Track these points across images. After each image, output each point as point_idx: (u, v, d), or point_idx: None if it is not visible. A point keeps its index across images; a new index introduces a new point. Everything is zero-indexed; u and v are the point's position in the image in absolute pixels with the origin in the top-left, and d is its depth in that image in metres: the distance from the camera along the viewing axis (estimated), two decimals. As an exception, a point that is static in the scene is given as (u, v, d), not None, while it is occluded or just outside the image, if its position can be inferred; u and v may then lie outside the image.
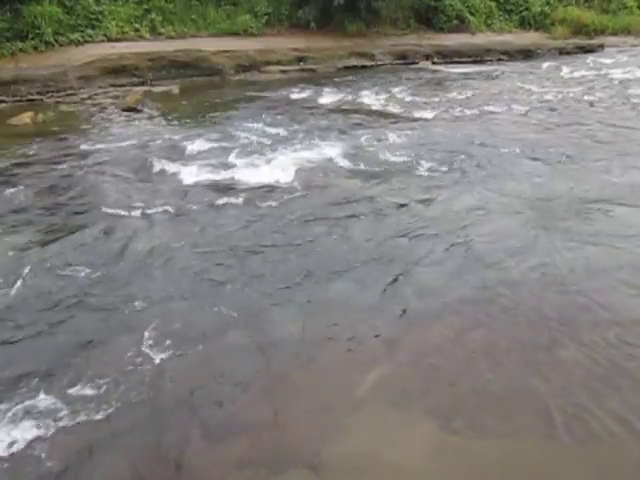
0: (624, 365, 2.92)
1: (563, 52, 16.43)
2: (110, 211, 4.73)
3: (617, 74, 12.30)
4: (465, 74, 12.72)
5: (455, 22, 16.13)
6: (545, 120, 8.16)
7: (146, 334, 3.10)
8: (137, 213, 4.70)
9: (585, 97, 9.82)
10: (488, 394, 2.74)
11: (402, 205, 4.88)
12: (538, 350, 3.04)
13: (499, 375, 2.87)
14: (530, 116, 8.44)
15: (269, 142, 6.78)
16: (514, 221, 4.58)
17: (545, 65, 13.98)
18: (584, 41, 17.49)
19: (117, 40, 11.45)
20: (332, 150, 6.36)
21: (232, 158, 6.07)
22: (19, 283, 3.61)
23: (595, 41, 17.67)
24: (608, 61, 14.47)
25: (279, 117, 8.34)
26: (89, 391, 2.70)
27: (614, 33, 19.05)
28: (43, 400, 2.64)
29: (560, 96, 9.94)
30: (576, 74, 12.54)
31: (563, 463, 2.42)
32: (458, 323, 3.28)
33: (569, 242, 4.22)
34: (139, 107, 8.96)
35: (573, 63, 14.09)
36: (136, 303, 3.44)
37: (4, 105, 9.08)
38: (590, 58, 15.25)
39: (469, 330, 3.23)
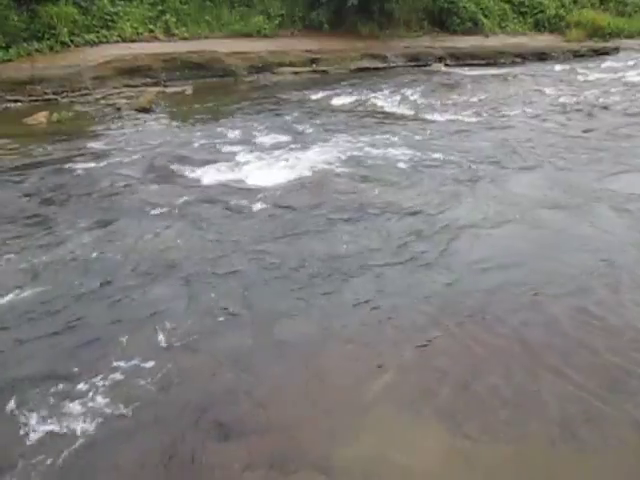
0: (637, 370, 2.89)
1: (578, 55, 16.25)
2: (124, 210, 4.76)
3: (633, 77, 12.16)
4: (478, 76, 12.65)
5: (469, 24, 16.01)
6: (560, 123, 8.09)
7: (156, 333, 3.12)
8: (149, 213, 4.74)
9: (600, 100, 9.72)
10: (499, 398, 2.72)
11: (415, 208, 4.87)
12: (550, 354, 3.02)
13: (510, 379, 2.85)
14: (544, 119, 8.37)
15: (282, 143, 6.79)
16: (527, 226, 4.55)
17: (560, 68, 13.87)
18: (599, 44, 17.28)
19: (132, 41, 11.51)
20: (344, 152, 6.36)
21: (245, 159, 6.09)
22: (32, 281, 3.65)
23: (610, 44, 17.45)
24: (624, 64, 14.31)
25: (291, 118, 8.35)
26: (97, 390, 2.71)
27: (630, 36, 18.80)
28: (51, 398, 2.66)
29: (575, 99, 9.85)
30: (591, 77, 12.42)
31: (575, 469, 2.40)
32: (469, 326, 3.26)
33: (584, 247, 4.19)
34: (152, 107, 9.02)
35: (588, 66, 13.96)
36: (145, 303, 3.46)
37: (20, 104, 9.17)
38: (605, 61, 15.10)
39: (480, 333, 3.21)
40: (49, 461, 2.34)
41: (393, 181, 5.53)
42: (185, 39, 12.23)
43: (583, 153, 6.48)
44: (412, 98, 9.97)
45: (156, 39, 11.96)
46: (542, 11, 18.01)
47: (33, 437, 2.46)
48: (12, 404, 2.63)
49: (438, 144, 6.87)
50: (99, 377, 2.80)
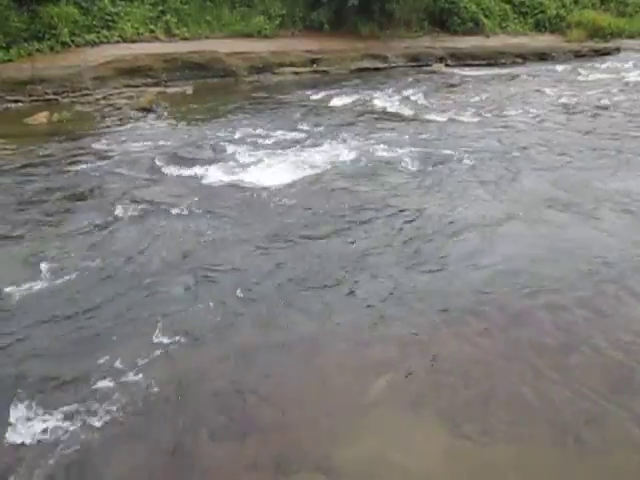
0: (638, 370, 2.89)
1: (579, 55, 16.24)
2: (123, 210, 4.75)
3: (634, 77, 12.15)
4: (479, 77, 12.64)
5: (469, 24, 15.99)
6: (562, 123, 8.08)
7: (154, 335, 3.11)
8: (149, 213, 4.73)
9: (601, 101, 9.72)
10: (500, 399, 2.72)
11: (415, 208, 4.86)
12: (551, 355, 3.01)
13: (511, 380, 2.84)
14: (546, 119, 8.36)
15: (284, 143, 6.79)
16: (531, 227, 4.54)
17: (560, 68, 13.86)
18: (600, 44, 17.27)
19: (132, 41, 11.51)
20: (344, 152, 6.35)
21: (247, 158, 6.09)
22: (33, 280, 3.65)
23: (611, 44, 17.44)
24: (624, 64, 14.31)
25: (291, 119, 8.34)
26: (99, 390, 2.71)
27: (631, 36, 18.78)
28: (53, 398, 2.66)
29: (575, 99, 9.85)
30: (592, 77, 12.41)
31: (575, 470, 2.39)
32: (470, 327, 3.26)
33: (588, 247, 4.18)
34: (153, 107, 9.02)
35: (589, 66, 13.95)
36: (145, 302, 3.46)
37: (20, 105, 9.18)
38: (606, 61, 15.09)
39: (481, 334, 3.20)
40: (47, 460, 2.34)
41: (397, 181, 5.53)
42: (186, 39, 12.22)
43: (586, 153, 6.47)
44: (413, 98, 9.96)
45: (157, 39, 11.96)
46: (543, 11, 17.99)
47: (36, 437, 2.45)
48: (14, 398, 2.63)
49: (440, 144, 6.86)
50: (101, 374, 2.80)
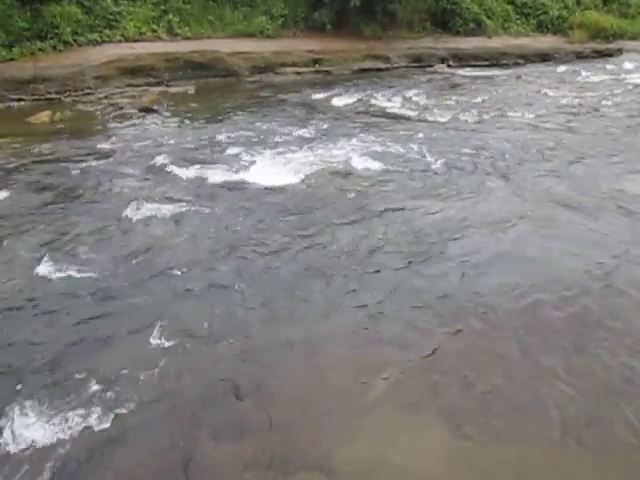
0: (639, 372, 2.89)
1: (581, 56, 16.27)
2: (124, 210, 4.76)
3: (636, 79, 12.14)
4: (481, 77, 12.65)
5: (472, 25, 16.02)
6: (564, 124, 8.08)
7: (156, 333, 3.10)
8: (150, 213, 4.72)
9: (604, 102, 9.71)
10: (500, 400, 2.71)
11: (420, 208, 4.86)
12: (552, 357, 3.00)
13: (512, 381, 2.84)
14: (549, 120, 8.36)
15: (283, 143, 6.79)
16: (535, 227, 4.53)
17: (562, 69, 13.86)
18: (602, 45, 17.29)
19: (135, 41, 11.54)
20: (346, 152, 6.35)
21: (246, 159, 6.09)
22: (35, 279, 3.66)
23: (613, 45, 17.46)
24: (626, 66, 14.31)
25: (293, 118, 8.35)
26: (97, 391, 2.70)
27: (633, 37, 18.82)
28: (52, 398, 2.65)
29: (577, 101, 9.85)
30: (593, 78, 12.41)
31: (576, 472, 2.38)
32: (471, 328, 3.25)
33: (589, 248, 4.18)
34: (155, 107, 9.04)
35: (591, 67, 13.95)
36: (145, 301, 3.46)
37: (23, 103, 9.21)
38: (608, 62, 15.09)
39: (482, 335, 3.20)
40: (48, 459, 2.34)
41: (401, 180, 5.52)
42: (188, 39, 12.26)
43: (591, 154, 6.46)
44: (415, 99, 9.97)
45: (159, 39, 11.99)
46: (545, 12, 18.01)
47: (35, 438, 2.46)
48: (12, 394, 2.63)
49: (443, 145, 6.85)
50: (100, 373, 2.79)
